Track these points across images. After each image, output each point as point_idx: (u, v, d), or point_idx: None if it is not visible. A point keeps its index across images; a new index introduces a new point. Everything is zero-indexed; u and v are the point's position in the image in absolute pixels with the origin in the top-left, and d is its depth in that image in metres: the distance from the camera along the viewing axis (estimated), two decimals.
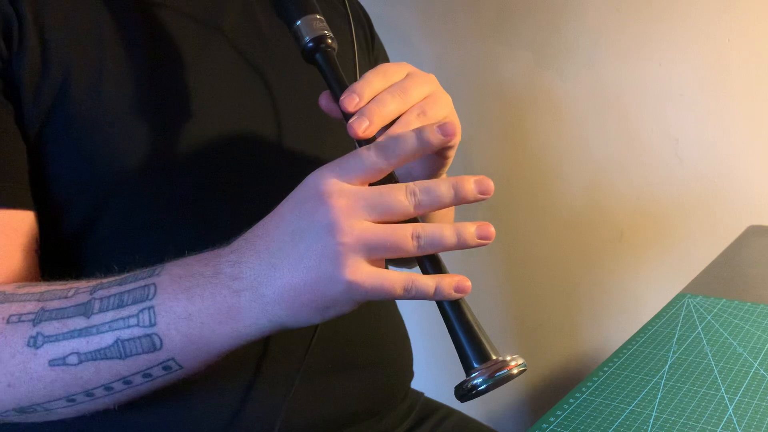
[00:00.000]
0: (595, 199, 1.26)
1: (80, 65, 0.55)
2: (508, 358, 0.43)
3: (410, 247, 0.43)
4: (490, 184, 0.44)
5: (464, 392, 0.43)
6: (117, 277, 0.49)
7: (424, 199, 0.44)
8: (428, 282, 0.44)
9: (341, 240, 0.42)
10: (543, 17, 1.25)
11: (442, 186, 0.44)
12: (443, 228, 0.44)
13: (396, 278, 0.43)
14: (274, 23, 0.57)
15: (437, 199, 0.44)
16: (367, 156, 0.45)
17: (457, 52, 1.37)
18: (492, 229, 0.44)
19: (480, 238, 0.44)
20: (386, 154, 0.45)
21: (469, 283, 0.44)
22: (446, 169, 0.59)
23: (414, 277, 0.44)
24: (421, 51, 1.41)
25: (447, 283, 0.44)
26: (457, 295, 0.44)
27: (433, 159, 0.55)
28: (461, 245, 0.44)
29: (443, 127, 0.45)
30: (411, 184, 0.44)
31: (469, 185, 0.44)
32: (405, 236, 0.43)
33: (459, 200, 0.44)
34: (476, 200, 0.44)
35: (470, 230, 0.44)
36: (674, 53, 1.13)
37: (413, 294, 0.43)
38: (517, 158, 1.35)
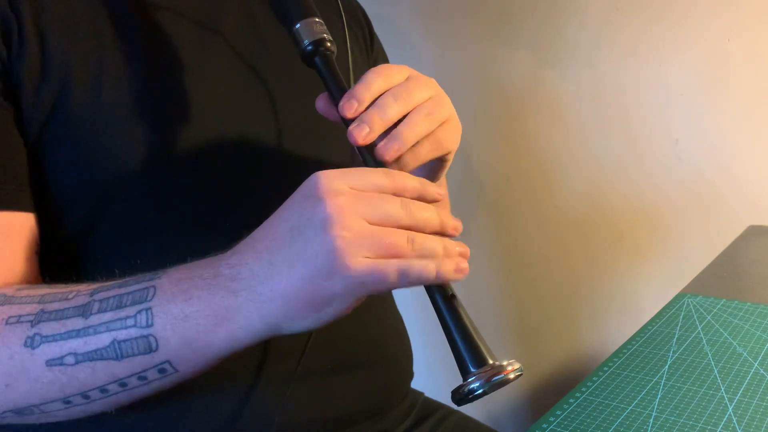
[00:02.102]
0: (595, 200, 1.26)
1: (80, 67, 0.55)
2: (505, 363, 0.43)
3: (406, 251, 0.43)
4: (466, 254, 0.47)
5: (461, 396, 0.43)
6: (118, 281, 0.49)
7: (418, 213, 0.45)
8: (428, 264, 0.43)
9: (338, 234, 0.42)
10: (543, 17, 1.25)
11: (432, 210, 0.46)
12: (436, 239, 0.45)
13: (391, 263, 0.43)
14: (274, 24, 0.57)
15: (428, 220, 0.46)
16: (375, 173, 0.45)
17: (457, 52, 1.37)
18: (467, 251, 0.46)
19: (461, 256, 0.46)
20: (393, 178, 0.46)
21: (466, 265, 0.45)
22: (445, 171, 0.59)
23: (411, 261, 0.43)
24: (421, 51, 1.41)
25: (447, 266, 0.44)
26: (457, 276, 0.44)
27: (432, 163, 0.55)
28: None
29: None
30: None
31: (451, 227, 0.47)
32: (400, 240, 0.43)
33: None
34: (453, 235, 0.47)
35: (456, 248, 0.46)
36: (674, 53, 1.13)
37: (411, 277, 0.43)
38: (517, 158, 1.35)
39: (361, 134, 0.47)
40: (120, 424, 0.55)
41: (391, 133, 0.48)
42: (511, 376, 0.43)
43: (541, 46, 1.26)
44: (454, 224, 0.47)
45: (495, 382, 0.42)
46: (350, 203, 0.43)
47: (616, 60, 1.19)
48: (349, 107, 0.48)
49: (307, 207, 0.44)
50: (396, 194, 0.46)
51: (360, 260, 0.42)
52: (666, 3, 1.12)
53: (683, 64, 1.13)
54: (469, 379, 0.42)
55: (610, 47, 1.19)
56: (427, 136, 0.51)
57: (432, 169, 0.58)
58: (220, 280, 0.45)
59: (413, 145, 0.51)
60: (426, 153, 0.51)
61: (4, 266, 0.52)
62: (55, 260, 0.56)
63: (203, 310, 0.45)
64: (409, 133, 0.48)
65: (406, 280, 0.43)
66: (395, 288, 0.44)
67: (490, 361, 0.43)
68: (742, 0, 1.06)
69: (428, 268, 0.43)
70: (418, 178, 0.47)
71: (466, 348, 0.43)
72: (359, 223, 0.43)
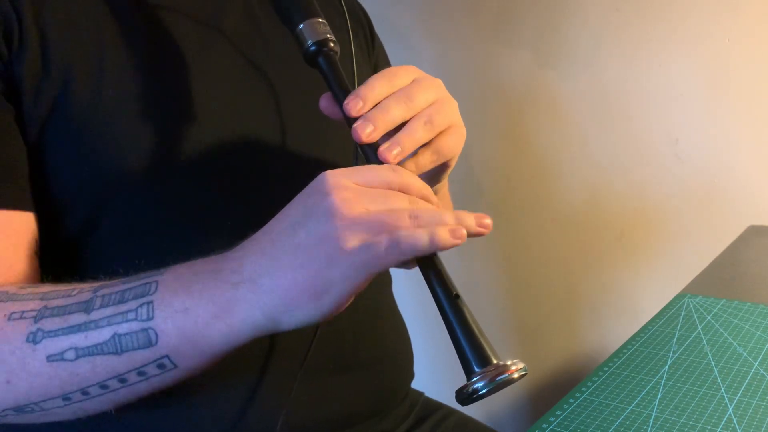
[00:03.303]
0: (595, 199, 1.27)
1: (80, 66, 0.55)
2: (509, 363, 0.43)
3: (407, 225, 0.43)
4: (489, 223, 0.45)
5: (465, 396, 0.43)
6: (122, 278, 0.49)
7: (424, 215, 0.44)
8: (421, 232, 0.42)
9: (338, 223, 0.42)
10: (543, 17, 1.25)
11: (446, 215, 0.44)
12: (442, 212, 0.44)
13: (383, 236, 0.42)
14: (276, 24, 0.58)
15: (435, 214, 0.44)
16: (382, 169, 0.46)
17: (457, 52, 1.37)
18: (489, 220, 0.45)
19: (479, 226, 0.44)
20: (400, 175, 0.46)
21: (464, 232, 0.43)
22: (447, 174, 0.59)
23: (401, 231, 0.42)
24: (421, 51, 1.41)
25: (442, 232, 0.42)
26: (454, 241, 0.43)
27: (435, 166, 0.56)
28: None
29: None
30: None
31: (470, 219, 0.45)
32: (402, 217, 0.43)
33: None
34: (477, 233, 0.45)
35: (469, 217, 0.44)
36: (674, 53, 1.13)
37: (405, 247, 0.42)
38: (517, 158, 1.35)
39: (365, 131, 0.47)
40: (122, 424, 0.55)
41: (393, 137, 0.48)
42: (516, 375, 0.43)
43: (541, 46, 1.26)
44: (484, 222, 0.45)
45: (499, 382, 0.42)
46: (355, 196, 0.43)
47: (616, 60, 1.19)
48: (354, 105, 0.48)
49: (312, 202, 0.44)
50: (402, 191, 0.46)
51: (356, 242, 0.42)
52: (666, 3, 1.12)
53: (683, 64, 1.13)
54: (473, 379, 0.42)
55: (610, 47, 1.19)
56: (428, 146, 0.51)
57: (434, 172, 0.58)
58: (223, 274, 0.46)
59: (415, 154, 0.51)
60: (427, 163, 0.52)
61: (4, 265, 0.52)
62: (55, 260, 0.56)
63: (204, 302, 0.45)
64: (408, 140, 0.49)
65: (398, 249, 0.42)
66: (391, 263, 0.43)
67: (495, 361, 0.43)
68: (742, 0, 1.06)
69: (421, 235, 0.42)
70: (422, 181, 0.48)
71: (470, 347, 0.43)
72: (361, 210, 0.43)
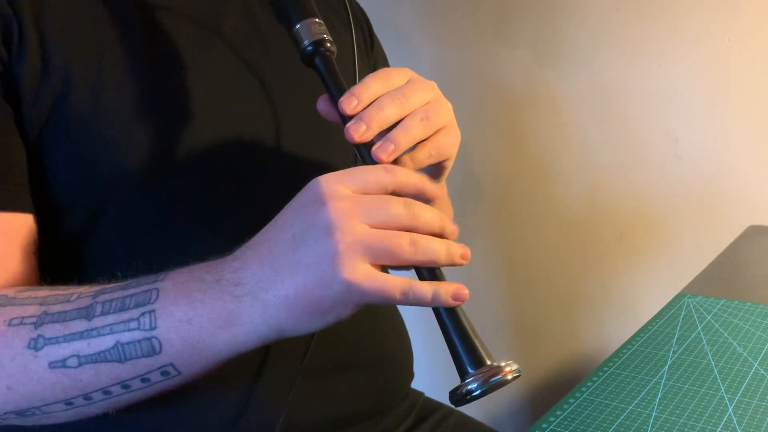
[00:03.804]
0: (595, 200, 1.27)
1: (80, 68, 0.55)
2: (503, 364, 0.43)
3: (406, 253, 0.44)
4: (468, 254, 0.47)
5: (459, 397, 0.43)
6: (120, 283, 0.49)
7: (421, 214, 0.45)
8: (426, 288, 0.44)
9: (340, 239, 0.42)
10: (543, 17, 1.25)
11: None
12: (438, 241, 0.45)
13: (394, 282, 0.43)
14: (274, 25, 0.58)
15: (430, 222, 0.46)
16: (376, 170, 0.46)
17: (457, 52, 1.37)
18: (469, 252, 0.47)
19: (462, 258, 0.46)
20: (393, 174, 0.46)
21: (466, 292, 0.45)
22: (444, 176, 0.59)
23: (412, 282, 0.44)
24: (421, 51, 1.41)
25: (445, 290, 0.44)
26: (455, 303, 0.44)
27: (431, 168, 0.56)
28: (449, 262, 0.46)
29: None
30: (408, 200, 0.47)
31: (458, 249, 0.47)
32: (402, 242, 0.44)
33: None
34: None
35: (458, 250, 0.46)
36: (674, 53, 1.13)
37: (410, 299, 0.44)
38: (517, 158, 1.35)
39: (359, 131, 0.47)
40: (121, 425, 0.55)
41: (387, 135, 0.48)
42: (509, 377, 0.43)
43: (541, 46, 1.26)
44: (452, 228, 0.47)
45: (493, 383, 0.42)
46: (352, 208, 0.43)
47: (616, 60, 1.19)
48: (348, 104, 0.48)
49: (310, 212, 0.44)
50: (397, 191, 0.46)
51: (361, 268, 0.43)
52: (666, 3, 1.12)
53: (683, 63, 1.13)
54: (467, 380, 0.43)
55: (610, 47, 1.19)
56: (426, 141, 0.51)
57: (431, 175, 0.58)
58: (224, 284, 0.45)
59: (412, 150, 0.51)
60: (425, 158, 0.52)
61: (4, 267, 0.52)
62: (55, 261, 0.56)
63: (207, 314, 0.45)
64: (403, 136, 0.49)
65: (406, 300, 0.44)
66: (396, 304, 0.45)
67: (488, 362, 0.43)
68: (742, 0, 1.06)
69: (426, 293, 0.44)
70: (417, 174, 0.48)
71: (463, 349, 0.43)
72: (361, 228, 0.43)
